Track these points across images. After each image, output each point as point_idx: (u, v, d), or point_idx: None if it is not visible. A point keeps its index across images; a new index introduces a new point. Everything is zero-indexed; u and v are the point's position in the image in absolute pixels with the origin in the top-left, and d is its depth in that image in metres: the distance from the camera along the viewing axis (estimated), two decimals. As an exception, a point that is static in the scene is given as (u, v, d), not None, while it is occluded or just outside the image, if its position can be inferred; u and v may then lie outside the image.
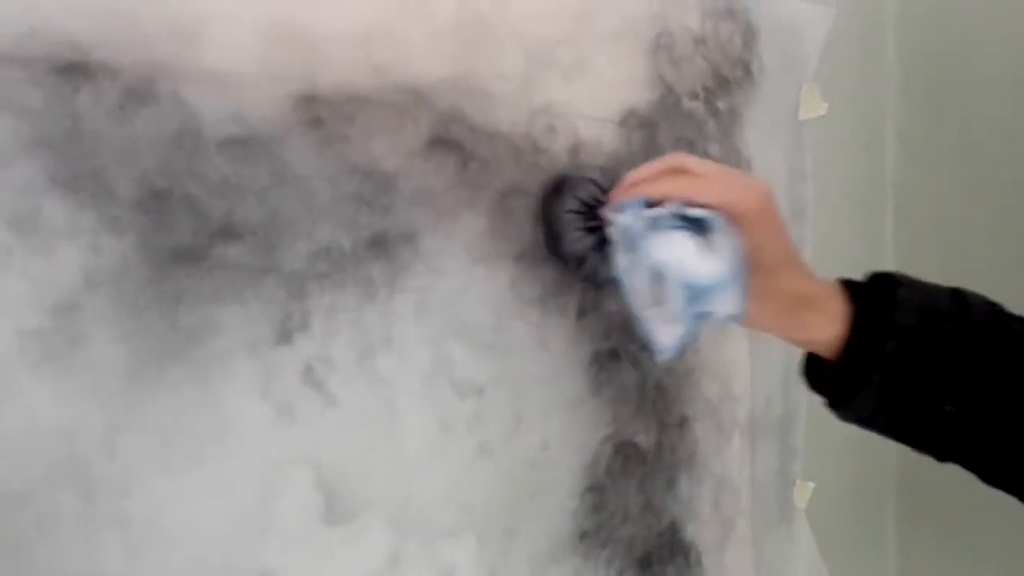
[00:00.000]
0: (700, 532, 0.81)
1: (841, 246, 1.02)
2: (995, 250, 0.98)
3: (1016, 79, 0.96)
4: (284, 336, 0.51)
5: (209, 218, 0.48)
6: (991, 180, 0.99)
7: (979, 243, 0.99)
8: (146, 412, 0.45)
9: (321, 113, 0.53)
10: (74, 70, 0.43)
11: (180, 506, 0.47)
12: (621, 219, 0.56)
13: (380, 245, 0.56)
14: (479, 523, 0.62)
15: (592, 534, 0.71)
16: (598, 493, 0.71)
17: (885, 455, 1.08)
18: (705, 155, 0.84)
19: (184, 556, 0.47)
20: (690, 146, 0.82)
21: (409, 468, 0.58)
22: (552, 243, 0.65)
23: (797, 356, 0.98)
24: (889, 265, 1.07)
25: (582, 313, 0.70)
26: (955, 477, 0.57)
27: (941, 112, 1.04)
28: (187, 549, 0.47)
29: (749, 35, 0.90)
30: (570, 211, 0.63)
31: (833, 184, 1.01)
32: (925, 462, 0.57)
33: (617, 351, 0.73)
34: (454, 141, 0.60)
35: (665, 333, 0.54)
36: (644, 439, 0.76)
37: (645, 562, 0.75)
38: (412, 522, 0.57)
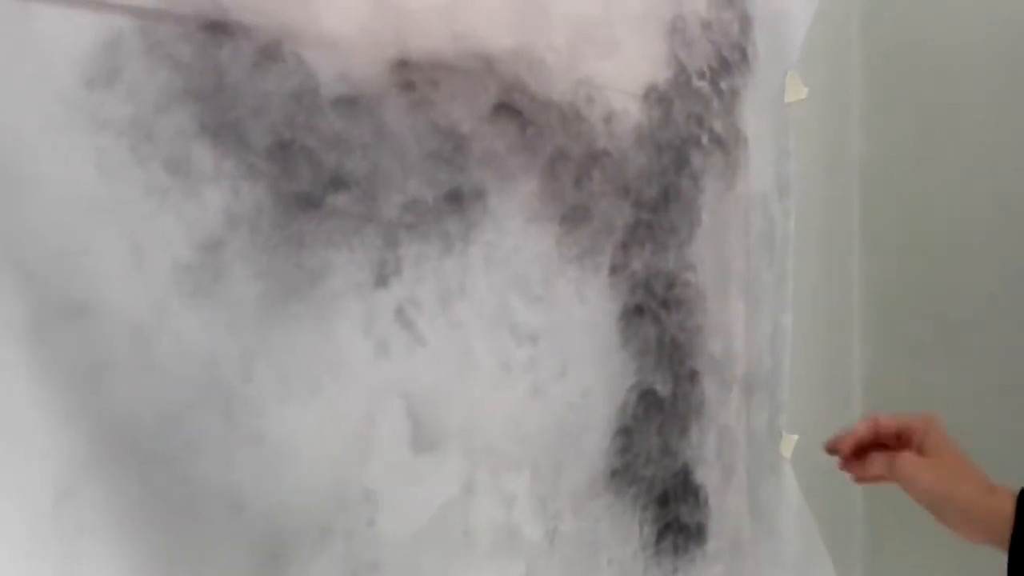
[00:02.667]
0: (707, 475, 0.89)
1: (811, 219, 1.10)
2: (954, 219, 1.08)
3: (975, 61, 1.06)
4: (381, 280, 0.56)
5: (324, 168, 0.52)
6: (951, 156, 1.09)
7: (940, 214, 1.09)
8: (275, 343, 0.50)
9: (412, 77, 0.57)
10: (217, 28, 0.47)
11: (302, 429, 0.51)
12: None
13: (456, 201, 0.61)
14: (533, 458, 0.68)
15: (621, 472, 0.77)
16: (626, 436, 0.78)
17: (850, 408, 1.18)
18: (710, 131, 0.92)
19: (304, 475, 0.52)
20: (699, 121, 0.89)
21: (478, 403, 0.63)
22: None
23: (784, 319, 1.05)
24: (855, 242, 1.16)
25: (613, 271, 0.77)
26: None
27: (904, 92, 1.13)
28: (307, 468, 0.52)
29: (745, 22, 0.97)
30: None
31: (804, 162, 1.09)
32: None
33: (642, 307, 0.80)
34: (516, 108, 0.66)
35: None
36: (662, 388, 0.83)
37: (663, 500, 0.82)
38: (482, 454, 0.63)
